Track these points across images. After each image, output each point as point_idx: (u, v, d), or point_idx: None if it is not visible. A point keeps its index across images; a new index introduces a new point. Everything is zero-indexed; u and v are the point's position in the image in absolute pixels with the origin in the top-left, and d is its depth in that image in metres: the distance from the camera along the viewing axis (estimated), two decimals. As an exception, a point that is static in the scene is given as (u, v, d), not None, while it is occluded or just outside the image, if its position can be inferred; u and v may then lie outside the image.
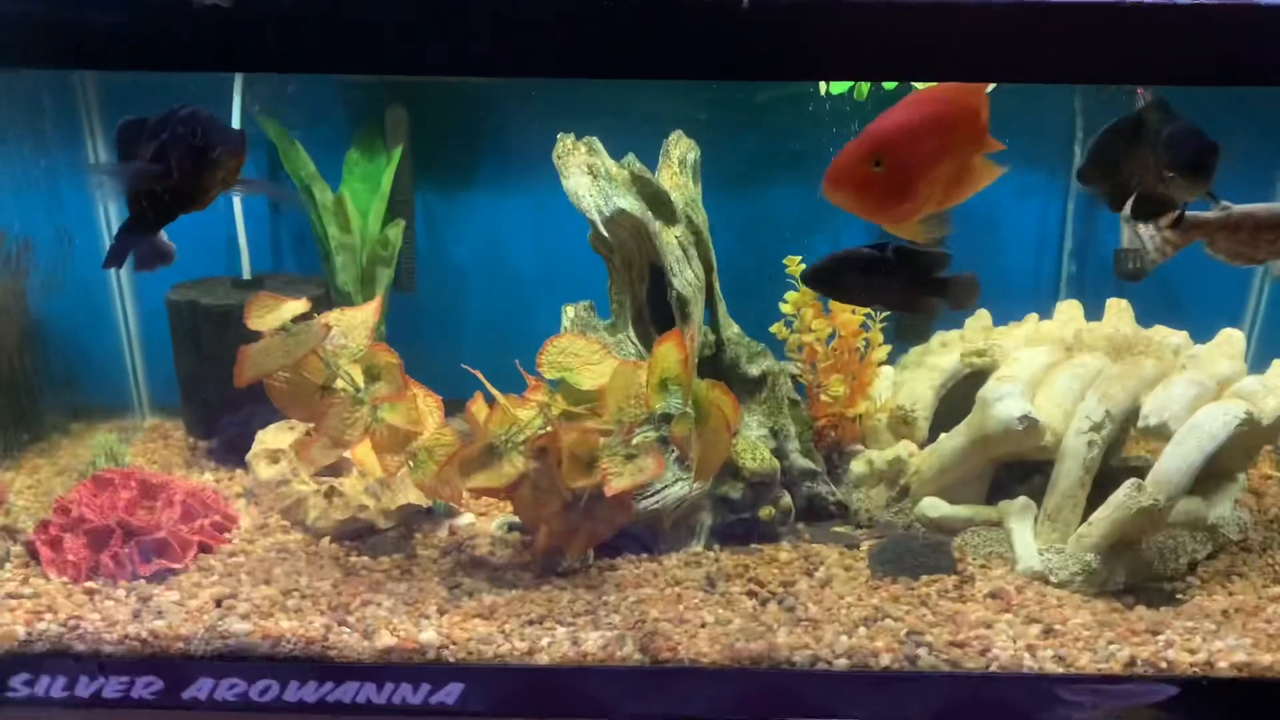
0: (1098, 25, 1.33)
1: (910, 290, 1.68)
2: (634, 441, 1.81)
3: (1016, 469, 2.19)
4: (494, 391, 1.87)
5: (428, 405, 1.88)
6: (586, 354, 1.89)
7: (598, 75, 1.29)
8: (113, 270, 2.46)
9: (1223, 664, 1.73)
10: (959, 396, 2.26)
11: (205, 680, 1.69)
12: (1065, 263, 2.48)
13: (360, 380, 1.83)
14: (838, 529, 2.17)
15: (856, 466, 2.24)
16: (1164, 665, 1.72)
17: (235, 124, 2.25)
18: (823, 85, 2.01)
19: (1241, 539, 2.14)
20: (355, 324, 1.81)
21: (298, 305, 1.76)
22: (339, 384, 1.81)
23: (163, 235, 1.57)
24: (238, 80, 2.23)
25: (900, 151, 1.45)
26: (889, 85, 2.04)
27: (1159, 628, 1.81)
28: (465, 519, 2.15)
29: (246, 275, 2.42)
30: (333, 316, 1.81)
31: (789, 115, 2.26)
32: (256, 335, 1.81)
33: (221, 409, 2.33)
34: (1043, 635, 1.79)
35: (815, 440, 2.25)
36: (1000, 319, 2.36)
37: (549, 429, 1.85)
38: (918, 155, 1.46)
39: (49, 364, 2.41)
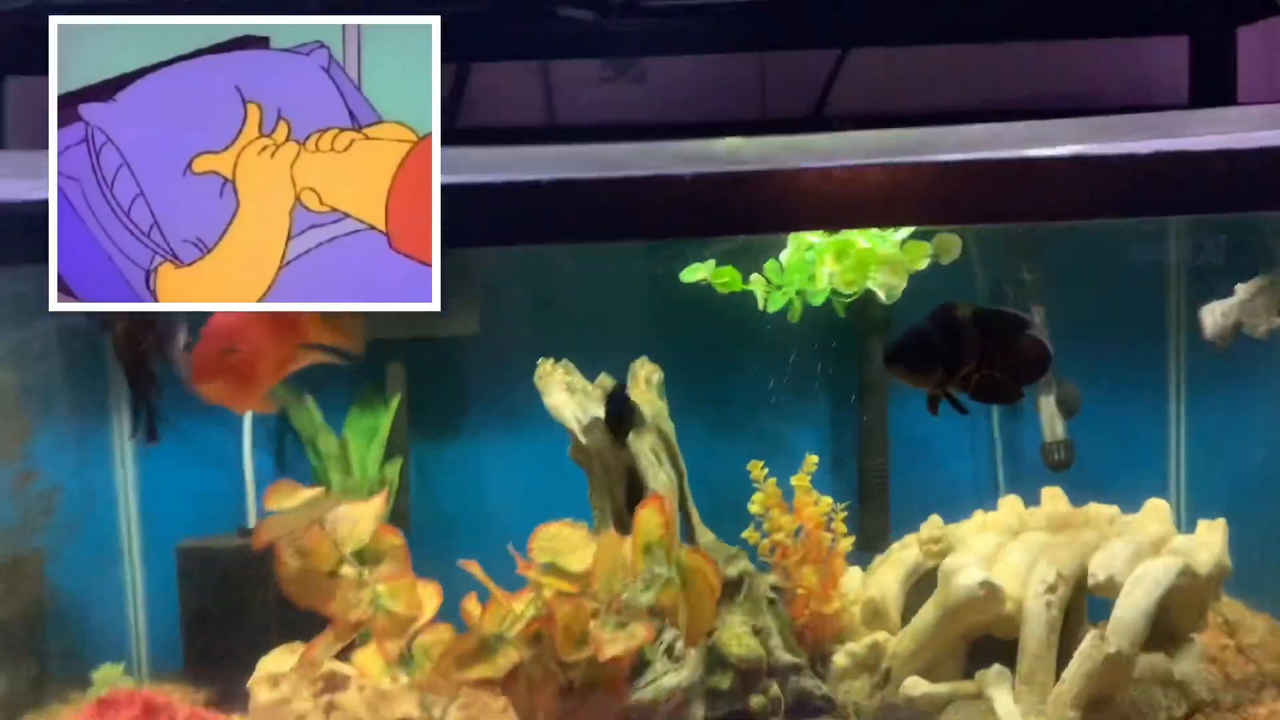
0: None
1: None
2: (623, 599, 1.94)
3: (988, 647, 2.29)
4: (489, 584, 2.01)
5: (426, 592, 2.01)
6: (574, 540, 2.05)
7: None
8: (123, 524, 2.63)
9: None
10: (923, 591, 2.40)
11: None
12: (999, 464, 2.74)
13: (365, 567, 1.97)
14: (827, 720, 2.23)
15: (838, 659, 2.33)
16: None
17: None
18: (760, 301, 2.36)
19: (1213, 699, 2.22)
20: (363, 515, 1.98)
21: (314, 492, 1.95)
22: (345, 569, 1.95)
23: None
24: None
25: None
26: (839, 312, 2.38)
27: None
28: (462, 731, 2.17)
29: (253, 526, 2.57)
30: (344, 506, 1.99)
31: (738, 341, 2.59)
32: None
33: (225, 653, 2.39)
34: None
35: (796, 639, 2.35)
36: (949, 520, 2.56)
37: (543, 613, 1.97)
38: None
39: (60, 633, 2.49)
